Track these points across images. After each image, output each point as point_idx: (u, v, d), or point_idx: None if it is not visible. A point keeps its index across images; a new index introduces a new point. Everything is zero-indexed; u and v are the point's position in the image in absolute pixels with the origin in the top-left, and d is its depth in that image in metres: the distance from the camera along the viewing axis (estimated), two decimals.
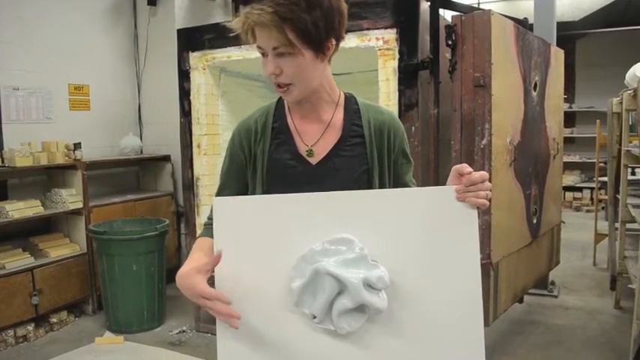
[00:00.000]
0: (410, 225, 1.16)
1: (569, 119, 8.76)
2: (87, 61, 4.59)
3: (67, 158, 4.01)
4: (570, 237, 6.29)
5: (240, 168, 1.34)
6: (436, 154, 2.94)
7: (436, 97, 2.91)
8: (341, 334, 1.12)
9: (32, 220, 3.85)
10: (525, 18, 3.94)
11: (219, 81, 3.69)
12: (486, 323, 2.81)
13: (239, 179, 1.35)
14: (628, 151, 3.71)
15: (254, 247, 1.15)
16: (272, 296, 1.14)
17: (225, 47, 3.43)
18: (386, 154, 1.32)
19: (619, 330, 3.62)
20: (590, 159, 8.55)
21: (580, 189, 8.85)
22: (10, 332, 3.56)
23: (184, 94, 3.66)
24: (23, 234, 3.98)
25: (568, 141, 8.34)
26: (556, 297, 4.33)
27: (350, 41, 2.98)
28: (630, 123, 4.03)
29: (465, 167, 1.14)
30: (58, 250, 3.95)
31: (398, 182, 1.36)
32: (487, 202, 1.14)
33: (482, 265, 2.74)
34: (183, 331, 3.78)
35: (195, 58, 3.58)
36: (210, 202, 2.05)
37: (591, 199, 8.52)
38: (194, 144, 3.64)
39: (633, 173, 4.35)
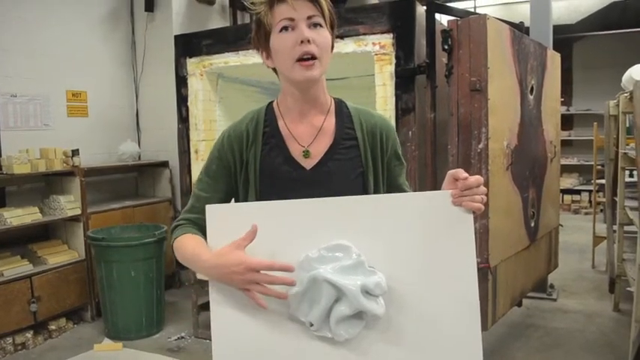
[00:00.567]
0: (406, 230, 1.16)
1: (567, 122, 8.79)
2: (85, 67, 4.60)
3: (65, 165, 4.01)
4: (569, 240, 6.30)
5: (227, 171, 1.31)
6: (433, 158, 2.95)
7: (433, 101, 2.92)
8: (339, 341, 1.12)
9: (30, 227, 3.84)
10: (521, 22, 3.96)
11: (217, 87, 3.70)
12: (485, 327, 2.81)
13: (225, 181, 1.31)
14: (625, 153, 3.71)
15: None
16: (268, 304, 1.12)
17: (223, 53, 3.45)
18: (379, 157, 1.32)
19: (618, 332, 3.62)
20: (588, 161, 8.57)
21: (578, 191, 8.86)
22: (9, 340, 3.55)
23: (182, 100, 3.67)
24: (21, 241, 3.98)
25: (566, 143, 8.38)
26: (555, 300, 4.33)
27: (347, 46, 2.99)
28: (627, 125, 4.04)
29: (461, 172, 1.14)
30: (57, 256, 3.94)
31: (391, 185, 1.36)
32: (483, 207, 1.15)
33: (481, 269, 2.74)
34: (182, 338, 3.78)
35: (192, 64, 3.59)
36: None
37: (590, 201, 8.53)
38: (192, 150, 3.65)
39: (631, 175, 4.35)
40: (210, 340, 1.15)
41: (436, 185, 2.80)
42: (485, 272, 2.78)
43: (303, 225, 1.15)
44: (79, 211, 4.03)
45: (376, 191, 1.31)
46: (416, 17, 2.89)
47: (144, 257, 3.75)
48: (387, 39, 2.92)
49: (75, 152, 4.07)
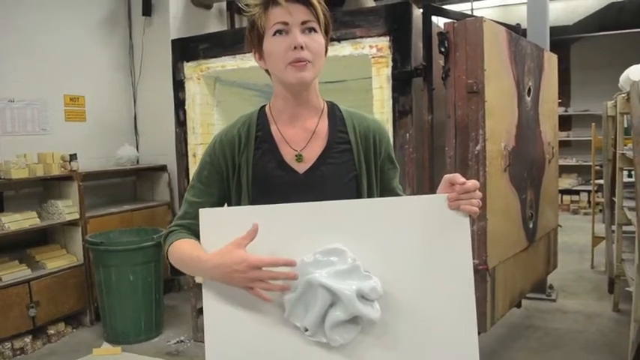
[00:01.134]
0: (402, 234, 1.15)
1: (565, 122, 8.79)
2: (82, 72, 4.60)
3: (63, 169, 4.01)
4: (568, 240, 6.30)
5: (220, 176, 1.30)
6: (430, 160, 2.95)
7: (430, 103, 2.92)
8: (334, 346, 1.11)
9: (29, 232, 3.84)
10: (518, 24, 3.95)
11: (214, 90, 3.71)
12: (484, 329, 2.81)
13: (217, 187, 1.30)
14: (623, 154, 3.71)
15: None
16: (263, 309, 1.12)
17: (220, 57, 3.45)
18: (373, 160, 1.31)
19: (618, 333, 3.62)
20: (586, 162, 8.57)
21: (577, 192, 8.86)
22: (8, 344, 3.54)
23: (179, 104, 3.67)
24: (20, 246, 3.97)
25: (564, 144, 8.38)
26: (554, 301, 4.33)
27: (343, 49, 2.99)
28: (625, 126, 4.04)
29: (458, 177, 1.14)
30: (55, 261, 3.93)
31: (385, 188, 1.36)
32: (478, 210, 1.15)
33: (479, 271, 2.74)
34: (181, 341, 3.77)
35: (189, 68, 3.59)
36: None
37: (588, 201, 8.53)
38: (190, 153, 3.65)
39: (629, 176, 4.35)
40: None
41: (434, 187, 2.78)
42: (483, 274, 2.77)
43: (297, 229, 1.14)
44: (77, 216, 4.02)
45: (370, 195, 1.31)
46: (412, 20, 2.89)
47: (142, 261, 3.74)
48: (384, 42, 2.93)
49: (73, 157, 4.06)
